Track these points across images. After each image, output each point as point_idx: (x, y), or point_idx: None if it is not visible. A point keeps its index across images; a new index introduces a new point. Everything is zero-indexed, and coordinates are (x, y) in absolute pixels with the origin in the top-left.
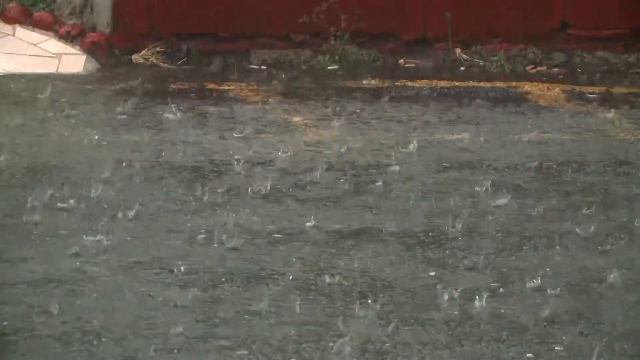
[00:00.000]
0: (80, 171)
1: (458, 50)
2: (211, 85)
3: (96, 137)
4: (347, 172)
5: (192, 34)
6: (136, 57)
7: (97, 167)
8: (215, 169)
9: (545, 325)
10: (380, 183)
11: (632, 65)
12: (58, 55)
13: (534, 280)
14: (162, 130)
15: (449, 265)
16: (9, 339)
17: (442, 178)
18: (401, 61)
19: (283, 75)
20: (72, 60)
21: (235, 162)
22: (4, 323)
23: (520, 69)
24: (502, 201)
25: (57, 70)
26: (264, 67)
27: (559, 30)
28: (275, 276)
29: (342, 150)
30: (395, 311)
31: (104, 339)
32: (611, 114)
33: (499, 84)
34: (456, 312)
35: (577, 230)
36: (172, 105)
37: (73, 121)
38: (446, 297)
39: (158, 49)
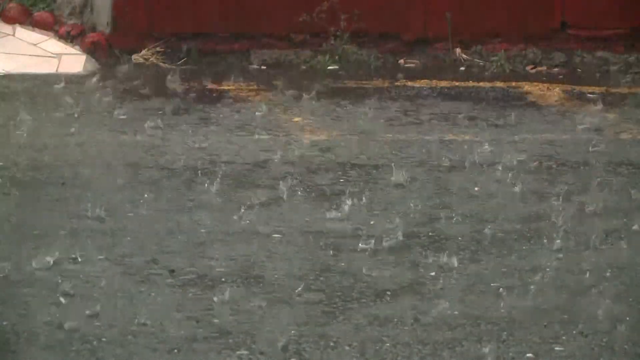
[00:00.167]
0: (80, 171)
1: (458, 50)
2: (211, 85)
3: (96, 137)
4: (348, 172)
5: (192, 34)
6: (136, 57)
7: (97, 167)
8: (215, 168)
9: (545, 326)
10: (380, 183)
11: (632, 65)
12: (58, 55)
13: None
14: (162, 130)
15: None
16: (9, 338)
17: (444, 178)
18: (401, 61)
19: (283, 76)
20: (72, 60)
21: (236, 162)
22: (4, 323)
23: (520, 69)
24: (502, 201)
25: (57, 70)
26: (264, 67)
27: (558, 30)
28: (276, 276)
29: (343, 150)
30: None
31: (104, 339)
32: (611, 114)
33: (499, 84)
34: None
35: (577, 230)
36: (172, 106)
37: (73, 121)
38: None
39: (158, 49)
